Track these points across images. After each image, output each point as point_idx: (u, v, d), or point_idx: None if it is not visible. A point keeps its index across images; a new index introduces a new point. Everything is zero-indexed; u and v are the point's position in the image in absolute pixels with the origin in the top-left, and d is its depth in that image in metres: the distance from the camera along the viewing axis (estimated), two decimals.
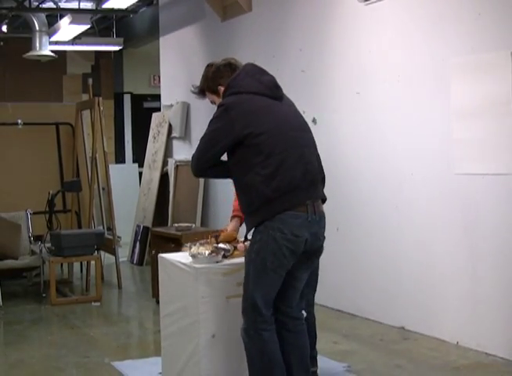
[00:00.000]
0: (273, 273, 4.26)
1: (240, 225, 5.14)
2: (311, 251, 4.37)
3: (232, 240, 4.96)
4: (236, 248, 4.88)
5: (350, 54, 7.55)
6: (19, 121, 10.39)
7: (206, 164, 4.42)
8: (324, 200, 4.48)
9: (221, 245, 4.82)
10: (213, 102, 4.67)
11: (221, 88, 4.52)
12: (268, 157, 4.21)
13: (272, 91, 4.44)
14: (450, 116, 6.35)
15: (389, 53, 7.05)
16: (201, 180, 10.36)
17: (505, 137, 5.86)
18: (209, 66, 4.69)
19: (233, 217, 5.21)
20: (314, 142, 4.54)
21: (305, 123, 4.55)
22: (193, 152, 4.48)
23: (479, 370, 5.80)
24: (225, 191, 9.95)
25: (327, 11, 7.86)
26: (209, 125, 4.44)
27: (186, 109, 11.20)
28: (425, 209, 6.68)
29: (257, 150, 4.23)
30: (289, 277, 4.37)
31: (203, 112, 10.71)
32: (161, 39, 12.15)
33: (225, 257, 4.76)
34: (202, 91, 4.70)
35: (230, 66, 4.61)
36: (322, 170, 4.57)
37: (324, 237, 4.43)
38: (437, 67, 6.49)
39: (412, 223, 6.81)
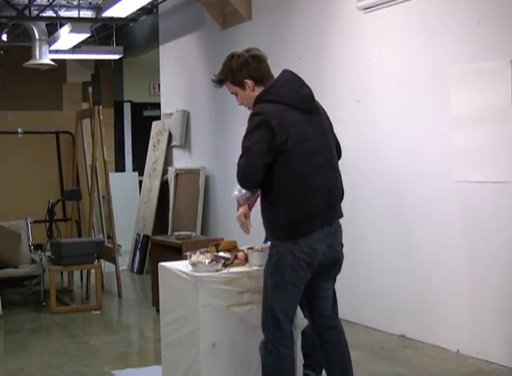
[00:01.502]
0: (291, 286, 4.25)
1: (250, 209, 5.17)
2: (330, 261, 4.38)
3: (232, 248, 4.96)
4: (236, 257, 4.88)
5: (350, 62, 7.57)
6: (20, 130, 10.41)
7: (259, 176, 4.21)
8: (341, 216, 4.48)
9: (221, 254, 4.82)
10: (234, 93, 4.50)
11: (247, 81, 4.37)
12: (297, 179, 4.18)
13: (308, 105, 4.34)
14: (450, 124, 6.35)
15: (389, 61, 7.07)
16: (201, 188, 10.37)
17: (505, 145, 5.87)
18: (233, 56, 4.49)
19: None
20: (337, 160, 4.49)
21: (332, 141, 4.47)
22: (239, 163, 4.28)
23: None
24: (225, 199, 9.95)
25: (327, 19, 7.87)
26: (249, 134, 4.24)
27: (186, 117, 11.21)
28: (425, 217, 6.68)
29: (289, 169, 4.18)
30: (314, 288, 4.41)
31: (203, 120, 10.75)
32: (161, 48, 12.17)
33: (225, 265, 4.75)
34: (222, 81, 4.53)
35: (258, 58, 4.42)
36: (342, 187, 4.51)
37: (341, 246, 4.47)
38: (436, 75, 6.50)
39: (412, 231, 6.81)
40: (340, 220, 4.49)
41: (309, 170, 4.22)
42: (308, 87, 4.39)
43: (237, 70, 4.40)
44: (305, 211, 4.20)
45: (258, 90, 4.37)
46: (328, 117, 4.53)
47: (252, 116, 4.25)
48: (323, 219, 4.28)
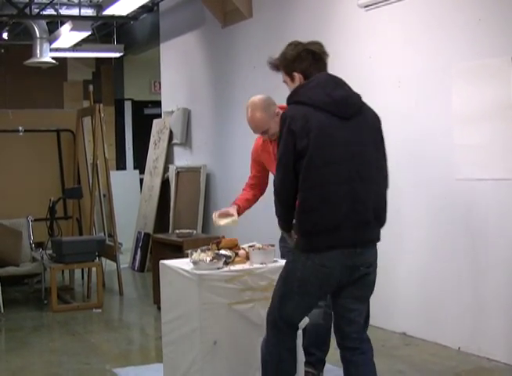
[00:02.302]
0: (299, 298, 4.05)
1: (239, 214, 5.14)
2: (352, 280, 4.01)
3: (233, 246, 4.96)
4: (237, 254, 4.88)
5: (350, 60, 7.55)
6: (20, 128, 10.41)
7: (287, 181, 3.96)
8: (377, 240, 4.10)
9: (222, 252, 4.82)
10: (285, 82, 4.26)
11: (296, 75, 4.13)
12: (312, 187, 3.88)
13: (340, 108, 3.98)
14: (451, 121, 6.35)
15: (389, 59, 7.06)
16: (202, 186, 10.37)
17: (506, 142, 5.86)
18: (292, 44, 4.25)
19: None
20: (377, 175, 4.04)
21: (371, 152, 4.06)
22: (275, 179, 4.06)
23: (481, 375, 5.80)
24: (225, 197, 9.95)
25: (328, 17, 7.87)
26: (280, 140, 3.99)
27: (187, 115, 11.21)
28: (426, 214, 6.68)
29: (307, 175, 3.87)
30: (340, 308, 4.13)
31: (204, 118, 10.74)
32: (162, 45, 12.16)
33: (226, 263, 4.75)
34: (277, 67, 4.29)
35: (313, 54, 4.16)
36: (384, 206, 4.08)
37: (369, 266, 4.06)
38: (438, 73, 6.49)
39: (413, 228, 6.81)
40: None
41: (329, 178, 3.87)
42: (347, 90, 4.14)
43: (290, 60, 4.19)
44: (318, 222, 3.88)
45: None
46: (378, 129, 4.24)
47: (281, 120, 4.02)
48: (343, 238, 3.89)
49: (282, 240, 5.17)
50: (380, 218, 4.05)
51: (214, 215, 5.13)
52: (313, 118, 3.91)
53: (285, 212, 4.09)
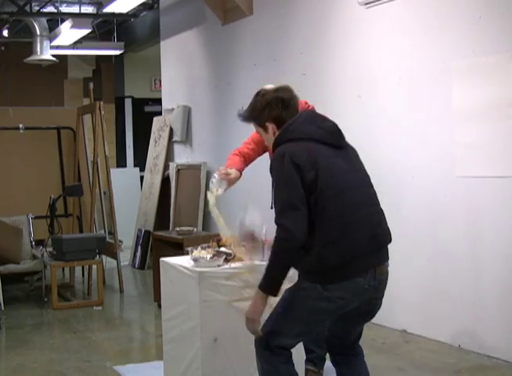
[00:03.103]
0: (304, 325, 3.86)
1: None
2: (362, 312, 3.95)
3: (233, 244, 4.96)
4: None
5: (351, 57, 7.56)
6: (21, 126, 10.40)
7: (301, 218, 3.68)
8: (387, 260, 3.95)
9: (222, 249, 4.82)
10: (258, 133, 4.12)
11: (269, 125, 3.96)
12: (330, 218, 3.69)
13: (334, 138, 3.92)
14: (451, 119, 6.35)
15: (390, 56, 7.06)
16: (202, 184, 10.36)
17: (506, 139, 5.86)
18: (259, 95, 4.06)
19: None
20: (377, 197, 4.02)
21: (367, 176, 4.02)
22: (283, 221, 3.67)
23: (481, 372, 5.80)
24: (226, 195, 9.93)
25: (328, 14, 7.86)
26: (279, 179, 3.76)
27: (187, 113, 11.21)
28: (426, 212, 6.68)
29: (320, 207, 3.69)
30: (338, 329, 4.06)
31: (205, 116, 10.74)
32: (162, 43, 12.16)
33: (226, 261, 4.76)
34: (248, 119, 4.11)
35: (283, 102, 3.98)
36: (388, 228, 3.97)
37: (380, 298, 3.99)
38: (438, 70, 6.49)
39: (413, 226, 6.81)
40: None
41: (345, 207, 3.74)
42: (333, 121, 4.03)
43: (259, 111, 4.00)
44: (344, 251, 3.68)
45: None
46: (358, 156, 4.09)
47: (275, 159, 3.81)
48: (365, 263, 3.75)
49: None
50: (390, 239, 3.97)
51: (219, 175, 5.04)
52: (314, 150, 3.78)
53: (293, 261, 3.72)
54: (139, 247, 11.48)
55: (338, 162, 3.84)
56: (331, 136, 3.92)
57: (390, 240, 3.93)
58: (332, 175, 3.76)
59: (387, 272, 3.91)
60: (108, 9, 10.51)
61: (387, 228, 3.93)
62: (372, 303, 3.95)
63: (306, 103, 5.78)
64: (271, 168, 3.83)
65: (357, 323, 4.06)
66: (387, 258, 3.91)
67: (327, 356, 5.42)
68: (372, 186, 4.01)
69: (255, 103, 4.03)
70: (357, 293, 3.77)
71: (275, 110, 3.96)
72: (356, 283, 3.73)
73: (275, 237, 3.68)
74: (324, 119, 4.01)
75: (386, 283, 3.94)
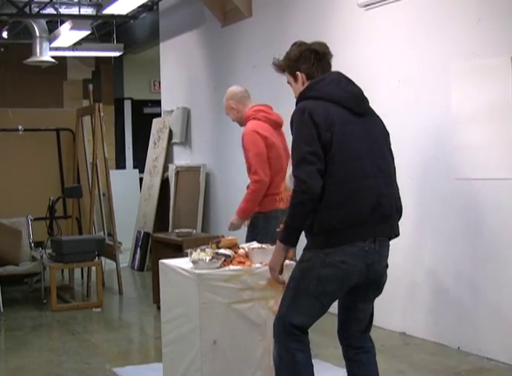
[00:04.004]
0: (314, 299, 3.89)
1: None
2: (367, 281, 3.97)
3: (232, 245, 4.95)
4: (236, 254, 4.87)
5: (350, 59, 7.55)
6: (20, 127, 10.41)
7: (316, 171, 3.79)
8: (397, 235, 4.06)
9: (221, 251, 4.81)
10: (289, 83, 4.22)
11: (299, 74, 4.10)
12: (337, 183, 3.81)
13: (357, 103, 4.01)
14: (451, 121, 6.35)
15: (389, 58, 7.06)
16: (202, 186, 10.37)
17: (505, 142, 5.86)
18: (295, 44, 4.23)
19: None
20: (394, 170, 4.09)
21: (385, 147, 4.09)
22: (298, 173, 3.81)
23: (480, 375, 5.80)
24: (225, 196, 9.95)
25: (327, 16, 7.87)
26: (297, 133, 3.89)
27: (187, 114, 11.21)
28: (425, 214, 6.68)
29: (331, 170, 3.80)
30: (351, 308, 4.10)
31: (204, 117, 10.74)
32: (161, 45, 12.17)
33: (226, 263, 4.75)
34: (281, 68, 4.25)
35: (316, 54, 4.11)
36: (400, 201, 4.07)
37: (385, 267, 4.05)
38: (437, 72, 6.49)
39: (411, 229, 6.80)
40: None
41: (354, 173, 3.84)
42: (359, 87, 4.11)
43: (293, 60, 4.15)
44: (345, 217, 3.80)
45: None
46: (384, 127, 4.22)
47: (295, 114, 3.94)
48: (366, 231, 3.85)
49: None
50: (399, 211, 4.06)
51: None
52: (334, 112, 3.89)
53: (310, 211, 3.82)
54: (139, 249, 11.48)
55: (355, 129, 3.93)
56: (353, 101, 4.00)
57: (398, 214, 4.02)
58: (345, 140, 3.86)
59: (395, 236, 4.03)
60: (107, 11, 10.51)
61: (396, 201, 4.01)
62: (377, 270, 3.97)
63: (270, 108, 6.40)
64: (291, 123, 3.96)
65: (366, 297, 4.09)
66: (391, 232, 4.00)
67: (327, 357, 5.44)
68: (388, 158, 4.08)
69: (290, 52, 4.19)
70: (358, 256, 3.84)
71: (308, 60, 4.10)
72: (356, 246, 3.83)
73: (293, 189, 3.82)
74: (349, 83, 4.08)
75: (388, 250, 4.01)
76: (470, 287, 6.24)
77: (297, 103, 4.03)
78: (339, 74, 4.11)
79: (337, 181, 3.81)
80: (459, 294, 6.33)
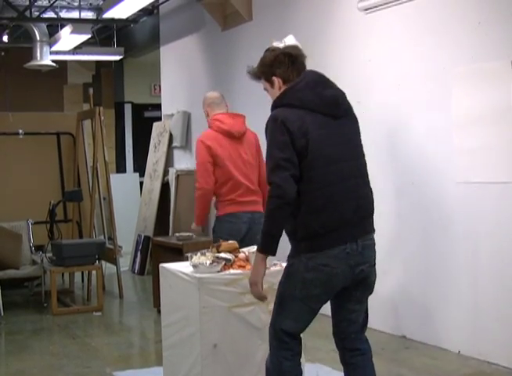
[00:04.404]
0: (301, 303, 3.93)
1: None
2: (354, 282, 3.98)
3: (233, 249, 4.96)
4: (236, 258, 4.88)
5: (350, 63, 7.56)
6: (20, 131, 10.41)
7: (291, 177, 3.82)
8: (374, 231, 4.10)
9: (222, 255, 4.81)
10: (266, 89, 4.21)
11: (275, 79, 4.09)
12: (317, 188, 3.84)
13: (331, 108, 3.99)
14: (451, 125, 6.35)
15: (389, 62, 7.06)
16: None
17: (506, 146, 5.86)
18: (269, 50, 4.25)
19: None
20: (366, 169, 4.11)
21: (359, 147, 4.09)
22: (272, 178, 3.83)
23: None
24: None
25: (327, 20, 7.87)
26: (271, 141, 3.91)
27: (187, 118, 11.21)
28: (426, 218, 6.68)
29: (311, 175, 3.84)
30: (342, 310, 4.11)
31: (204, 121, 10.71)
32: (162, 48, 12.18)
33: (226, 266, 4.75)
34: (257, 75, 4.23)
35: (290, 56, 4.10)
36: (373, 199, 4.14)
37: (372, 266, 4.05)
38: (438, 76, 6.49)
39: (413, 232, 6.81)
40: None
41: (334, 177, 3.87)
42: (335, 88, 4.11)
43: (268, 65, 4.13)
44: (327, 222, 3.84)
45: None
46: (355, 125, 4.18)
47: (269, 122, 3.96)
48: (347, 234, 3.89)
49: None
50: (372, 211, 4.11)
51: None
52: (307, 119, 3.89)
53: (286, 217, 3.84)
54: (139, 253, 11.47)
55: (331, 133, 3.94)
56: (329, 106, 3.99)
57: (372, 211, 4.07)
58: (321, 146, 3.87)
59: (370, 239, 4.03)
60: (108, 15, 10.51)
61: (370, 198, 4.07)
62: (363, 270, 3.99)
63: (234, 116, 6.78)
64: (266, 130, 3.97)
65: (357, 299, 4.10)
66: (370, 230, 4.05)
67: (325, 360, 5.44)
68: (362, 157, 4.10)
69: (264, 58, 4.19)
70: (340, 258, 3.86)
71: (283, 64, 4.08)
72: (337, 249, 3.85)
73: (268, 195, 3.83)
74: (326, 86, 4.07)
75: (373, 250, 4.05)
76: (470, 290, 6.23)
77: (272, 110, 4.04)
78: (314, 76, 4.11)
79: (317, 186, 3.84)
80: (459, 298, 6.33)
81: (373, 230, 4.09)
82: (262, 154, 6.61)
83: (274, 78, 4.10)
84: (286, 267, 4.04)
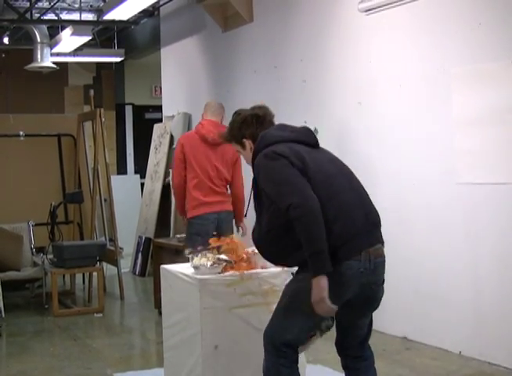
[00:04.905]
0: (307, 318, 3.86)
1: None
2: (365, 299, 3.97)
3: (234, 250, 4.95)
4: (238, 259, 4.87)
5: (351, 64, 7.57)
6: (21, 133, 10.41)
7: (308, 190, 3.79)
8: (381, 242, 4.03)
9: (223, 256, 4.81)
10: (238, 151, 4.33)
11: (246, 142, 4.18)
12: (325, 201, 3.77)
13: (309, 137, 4.12)
14: (451, 125, 6.35)
15: (390, 63, 7.07)
16: None
17: (506, 146, 5.86)
18: (236, 114, 4.33)
19: None
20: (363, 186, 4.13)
21: (347, 167, 4.13)
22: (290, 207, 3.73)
23: None
24: None
25: (328, 21, 7.87)
26: (267, 174, 3.89)
27: (188, 120, 11.21)
28: (426, 218, 6.67)
29: (315, 191, 3.78)
30: (349, 325, 4.10)
31: None
32: (162, 50, 12.18)
33: (227, 268, 4.75)
34: (227, 139, 4.34)
35: (257, 118, 4.21)
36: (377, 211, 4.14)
37: (381, 284, 4.05)
38: (438, 77, 6.50)
39: (413, 232, 6.81)
40: None
41: (338, 189, 3.89)
42: (303, 126, 4.26)
43: (237, 128, 4.24)
44: (342, 232, 3.79)
45: None
46: (332, 154, 4.22)
47: (259, 161, 3.95)
48: (362, 242, 3.85)
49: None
50: (380, 221, 4.09)
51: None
52: (295, 147, 3.96)
53: (320, 222, 3.71)
54: (140, 254, 11.48)
55: (319, 156, 4.03)
56: (305, 136, 4.12)
57: (380, 221, 4.06)
58: (318, 164, 3.93)
59: (382, 256, 3.98)
60: (108, 17, 10.51)
61: (375, 208, 4.06)
62: (372, 289, 3.97)
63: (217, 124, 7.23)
64: (257, 177, 3.95)
65: (363, 314, 4.09)
66: (380, 240, 4.00)
67: (328, 362, 5.44)
68: (354, 174, 4.14)
69: (233, 122, 4.30)
70: (353, 277, 3.80)
71: (251, 126, 4.19)
72: (352, 268, 3.78)
73: (295, 219, 3.69)
74: (294, 127, 4.20)
75: (384, 268, 4.01)
76: (471, 291, 6.23)
77: (254, 158, 4.04)
78: (281, 124, 4.24)
79: (324, 199, 3.78)
80: (460, 299, 6.33)
81: (383, 242, 4.03)
82: (239, 169, 7.35)
83: (244, 140, 4.20)
84: (294, 281, 4.01)
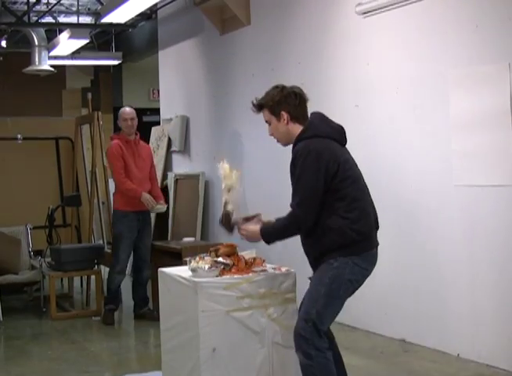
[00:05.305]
0: (341, 302, 4.40)
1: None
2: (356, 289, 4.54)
3: (231, 253, 4.96)
4: (235, 262, 4.87)
5: (348, 66, 7.57)
6: (19, 136, 10.41)
7: (315, 211, 4.35)
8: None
9: (220, 259, 4.81)
10: (268, 122, 4.62)
11: (284, 114, 4.52)
12: (352, 201, 4.37)
13: (342, 136, 4.60)
14: (449, 128, 6.36)
15: (387, 66, 7.07)
16: (201, 194, 10.36)
17: (504, 148, 5.87)
18: (277, 87, 4.62)
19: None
20: None
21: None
22: (298, 209, 4.38)
23: None
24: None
25: (326, 24, 7.88)
26: (303, 170, 4.37)
27: (186, 122, 11.21)
28: (424, 221, 6.68)
29: (342, 194, 4.36)
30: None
31: (203, 126, 10.75)
32: (160, 53, 12.18)
33: (224, 271, 4.75)
34: (261, 107, 4.63)
35: (296, 95, 4.57)
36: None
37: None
38: (435, 79, 6.50)
39: (411, 235, 6.81)
40: None
41: (361, 193, 4.48)
42: (336, 123, 4.65)
43: (278, 101, 4.54)
44: (361, 230, 4.38)
45: (292, 126, 4.54)
46: None
47: (301, 155, 4.37)
48: (374, 240, 4.53)
49: None
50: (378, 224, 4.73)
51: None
52: (333, 147, 4.43)
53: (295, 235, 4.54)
54: None
55: (347, 157, 4.52)
56: (340, 135, 4.60)
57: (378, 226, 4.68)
58: (349, 167, 4.46)
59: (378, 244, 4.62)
60: (106, 20, 10.50)
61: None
62: (363, 281, 4.55)
63: None
64: (293, 161, 4.41)
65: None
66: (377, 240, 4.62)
67: None
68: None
69: (274, 95, 4.58)
70: (373, 263, 4.50)
71: (293, 102, 4.55)
72: (373, 255, 4.50)
73: (291, 216, 4.39)
74: (331, 121, 4.65)
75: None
76: (469, 294, 6.24)
77: (296, 142, 4.48)
78: (321, 114, 4.65)
79: (350, 200, 4.38)
80: (458, 301, 6.33)
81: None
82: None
83: (283, 113, 4.54)
84: (327, 270, 4.37)
